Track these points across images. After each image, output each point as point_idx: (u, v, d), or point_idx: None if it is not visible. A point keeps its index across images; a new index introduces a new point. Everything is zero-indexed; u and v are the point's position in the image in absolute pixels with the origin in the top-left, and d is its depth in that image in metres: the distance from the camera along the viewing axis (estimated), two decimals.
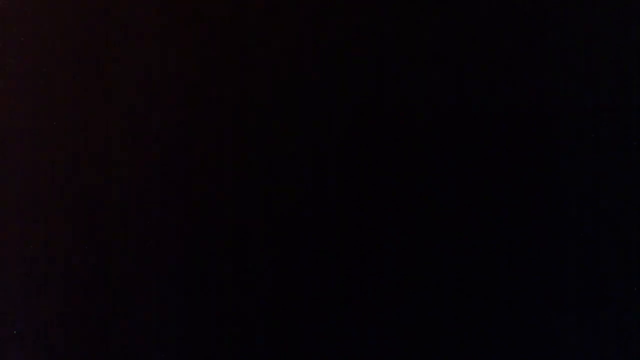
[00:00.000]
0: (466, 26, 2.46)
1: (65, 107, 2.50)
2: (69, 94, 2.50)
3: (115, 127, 2.48)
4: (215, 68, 2.49)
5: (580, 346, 2.41)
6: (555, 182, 2.43)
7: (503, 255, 2.42)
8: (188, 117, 2.48)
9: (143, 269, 2.46)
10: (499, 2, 2.45)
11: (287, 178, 2.46)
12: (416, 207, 2.44)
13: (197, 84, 2.49)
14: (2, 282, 2.47)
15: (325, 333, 2.43)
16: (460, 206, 2.43)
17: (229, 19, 2.49)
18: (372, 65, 2.47)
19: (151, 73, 2.49)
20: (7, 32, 2.51)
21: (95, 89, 2.49)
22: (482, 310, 2.41)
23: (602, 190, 2.42)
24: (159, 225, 2.47)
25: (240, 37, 2.49)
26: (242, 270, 2.45)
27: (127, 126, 2.48)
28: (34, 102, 2.50)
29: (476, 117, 2.44)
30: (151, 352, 2.45)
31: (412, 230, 2.43)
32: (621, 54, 2.44)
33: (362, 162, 2.45)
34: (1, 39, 2.50)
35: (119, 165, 2.48)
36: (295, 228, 2.45)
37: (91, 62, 2.50)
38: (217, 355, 2.44)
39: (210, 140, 2.48)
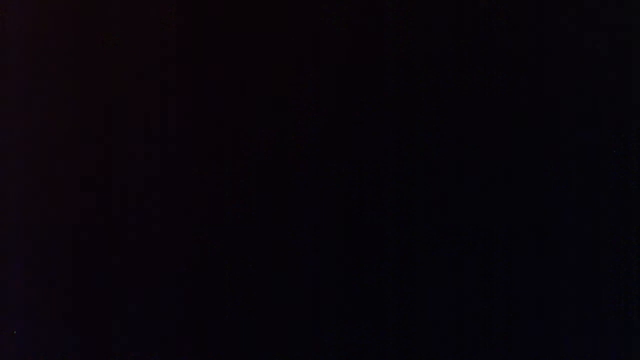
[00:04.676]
0: (465, 26, 2.46)
1: (64, 107, 2.50)
2: (68, 93, 2.50)
3: (115, 127, 2.49)
4: (215, 67, 2.49)
5: (580, 346, 2.41)
6: (555, 182, 2.43)
7: (503, 255, 2.42)
8: (189, 117, 2.48)
9: (143, 270, 2.46)
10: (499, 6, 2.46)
11: (286, 177, 2.46)
12: (416, 207, 2.44)
13: (199, 84, 2.49)
14: (2, 282, 2.47)
15: (324, 333, 2.44)
16: (460, 205, 2.43)
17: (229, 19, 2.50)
18: (370, 65, 2.47)
19: (152, 73, 2.49)
20: (6, 31, 2.51)
21: (95, 89, 2.50)
22: (481, 311, 2.41)
23: (601, 191, 2.43)
24: (159, 225, 2.47)
25: (241, 37, 2.49)
26: (242, 271, 2.46)
27: (128, 126, 2.49)
28: (34, 101, 2.50)
29: (475, 116, 2.44)
30: (151, 352, 2.45)
31: (411, 232, 2.44)
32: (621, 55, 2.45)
33: (360, 162, 2.45)
34: (1, 38, 2.50)
35: (119, 165, 2.48)
36: (295, 227, 2.46)
37: (91, 61, 2.50)
38: (217, 356, 2.45)
39: (210, 139, 2.48)
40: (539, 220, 2.42)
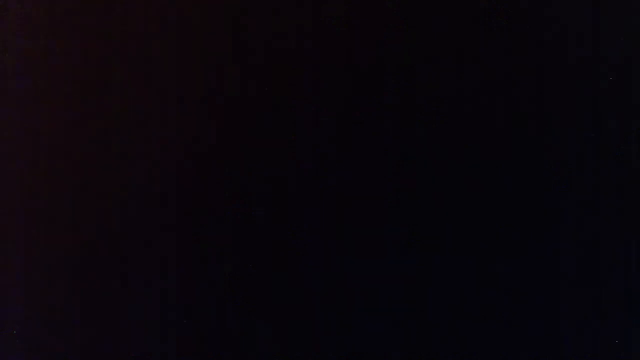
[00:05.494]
0: (465, 25, 2.46)
1: (65, 107, 2.50)
2: (69, 93, 2.50)
3: (115, 127, 2.49)
4: (215, 67, 2.49)
5: (580, 346, 2.41)
6: (555, 182, 2.43)
7: (502, 255, 2.42)
8: (189, 116, 2.49)
9: (143, 270, 2.46)
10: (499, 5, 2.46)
11: (286, 177, 2.46)
12: (416, 207, 2.44)
13: (198, 84, 2.49)
14: (2, 282, 2.47)
15: (324, 332, 2.44)
16: (460, 205, 2.43)
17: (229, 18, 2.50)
18: (371, 64, 2.47)
19: (152, 73, 2.49)
20: (7, 30, 2.51)
21: (96, 88, 2.50)
22: (481, 311, 2.42)
23: (601, 191, 2.43)
24: (159, 225, 2.47)
25: (241, 37, 2.49)
26: (242, 270, 2.46)
27: (127, 125, 2.49)
28: (34, 101, 2.50)
29: (475, 116, 2.45)
30: (151, 352, 2.45)
31: (412, 232, 2.44)
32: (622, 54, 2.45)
33: (360, 161, 2.45)
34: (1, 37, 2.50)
35: (119, 165, 2.48)
36: (294, 227, 2.46)
37: (92, 61, 2.50)
38: (217, 355, 2.45)
39: (210, 140, 2.48)
40: (539, 220, 2.42)
